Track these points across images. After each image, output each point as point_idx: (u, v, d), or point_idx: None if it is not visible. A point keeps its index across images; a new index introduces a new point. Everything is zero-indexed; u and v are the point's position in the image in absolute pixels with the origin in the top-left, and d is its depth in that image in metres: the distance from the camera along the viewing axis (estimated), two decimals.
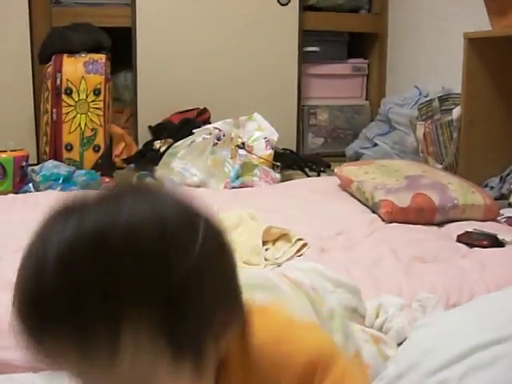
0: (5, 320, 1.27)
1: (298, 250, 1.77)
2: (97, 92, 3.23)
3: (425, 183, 2.17)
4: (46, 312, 0.60)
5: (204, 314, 0.63)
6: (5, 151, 2.78)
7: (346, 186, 2.47)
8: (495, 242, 1.81)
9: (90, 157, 3.23)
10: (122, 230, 0.59)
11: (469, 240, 1.85)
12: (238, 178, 2.86)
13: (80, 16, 3.57)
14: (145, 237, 0.60)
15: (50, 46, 3.34)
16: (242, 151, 2.98)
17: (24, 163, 2.81)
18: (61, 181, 2.78)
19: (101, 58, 3.29)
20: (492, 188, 2.63)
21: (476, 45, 2.66)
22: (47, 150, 3.25)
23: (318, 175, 3.26)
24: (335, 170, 2.62)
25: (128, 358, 0.59)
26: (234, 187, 2.77)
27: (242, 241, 1.78)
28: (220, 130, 3.04)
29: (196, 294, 0.61)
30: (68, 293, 0.58)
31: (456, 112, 2.79)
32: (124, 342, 0.58)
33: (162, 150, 3.25)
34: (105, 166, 3.23)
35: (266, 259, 1.68)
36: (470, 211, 2.10)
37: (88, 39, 3.36)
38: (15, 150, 2.80)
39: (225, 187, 2.79)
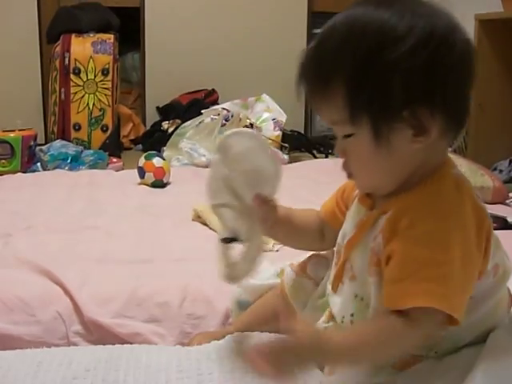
0: (15, 296, 1.29)
1: None
2: (105, 72, 3.23)
3: None
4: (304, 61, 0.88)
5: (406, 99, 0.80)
6: (13, 130, 2.78)
7: None
8: (504, 225, 1.81)
9: (98, 137, 3.23)
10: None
11: None
12: None
13: None
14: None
15: (57, 26, 3.34)
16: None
17: (32, 142, 2.81)
18: (69, 160, 2.79)
19: (109, 37, 3.28)
20: (501, 171, 2.62)
21: (487, 27, 2.64)
22: (55, 129, 3.25)
23: (326, 157, 3.26)
24: None
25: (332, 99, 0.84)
26: None
27: None
28: (228, 111, 3.03)
29: (406, 77, 0.79)
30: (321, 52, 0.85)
31: None
32: (333, 88, 0.83)
33: (170, 130, 3.25)
34: (112, 146, 3.23)
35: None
36: (478, 193, 2.09)
37: (96, 19, 3.35)
38: (23, 130, 2.81)
39: None
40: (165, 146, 3.03)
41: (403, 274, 0.82)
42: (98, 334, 1.25)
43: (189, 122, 3.07)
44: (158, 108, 3.70)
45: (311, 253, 1.16)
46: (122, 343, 1.17)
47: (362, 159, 0.86)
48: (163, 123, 3.42)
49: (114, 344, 1.15)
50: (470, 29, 2.73)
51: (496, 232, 0.91)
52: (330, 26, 0.85)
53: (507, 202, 2.16)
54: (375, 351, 0.83)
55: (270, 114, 3.19)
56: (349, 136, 0.85)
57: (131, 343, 1.19)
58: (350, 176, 0.91)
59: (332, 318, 1.00)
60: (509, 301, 0.96)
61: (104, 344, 1.15)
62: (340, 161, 0.91)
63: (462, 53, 0.83)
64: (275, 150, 2.94)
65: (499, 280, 0.91)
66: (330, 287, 1.00)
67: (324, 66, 0.84)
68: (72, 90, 3.20)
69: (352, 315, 0.93)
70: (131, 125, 3.60)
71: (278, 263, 1.28)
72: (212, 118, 3.01)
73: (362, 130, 0.83)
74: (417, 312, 0.80)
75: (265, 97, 3.25)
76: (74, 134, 3.20)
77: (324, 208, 1.08)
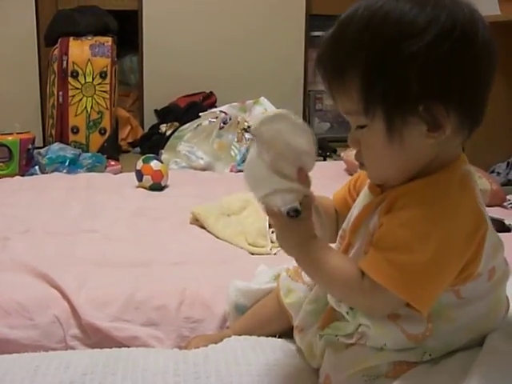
0: (13, 299, 1.29)
1: None
2: (103, 75, 3.22)
3: None
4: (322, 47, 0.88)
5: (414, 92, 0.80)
6: (11, 134, 2.78)
7: (352, 171, 2.46)
8: (502, 227, 1.81)
9: (96, 140, 3.23)
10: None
11: None
12: (244, 161, 2.85)
13: None
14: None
15: (56, 29, 3.33)
16: (248, 135, 2.98)
17: (30, 146, 2.81)
18: (67, 163, 2.79)
19: (107, 40, 3.28)
20: (499, 174, 2.63)
21: None
22: (53, 132, 3.25)
23: (324, 160, 3.26)
24: (341, 155, 2.62)
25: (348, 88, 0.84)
26: (240, 170, 2.77)
27: (249, 223, 1.79)
28: (226, 114, 3.04)
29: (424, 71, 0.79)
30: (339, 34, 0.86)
31: None
32: (349, 79, 0.83)
33: (168, 133, 3.25)
34: (111, 149, 3.23)
35: (272, 241, 1.69)
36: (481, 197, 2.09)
37: (94, 22, 3.35)
38: (21, 133, 2.80)
39: (231, 170, 2.79)
40: (163, 148, 3.03)
41: (380, 245, 0.84)
42: (96, 338, 1.25)
43: (187, 125, 3.07)
44: (156, 111, 3.70)
45: None
46: (120, 347, 1.17)
47: (374, 151, 0.87)
48: (161, 126, 3.42)
49: (111, 348, 1.15)
50: None
51: None
52: (349, 15, 0.85)
53: (505, 204, 2.16)
54: (329, 285, 0.91)
55: None
56: (362, 127, 0.86)
57: (129, 347, 1.19)
58: (361, 166, 0.92)
59: (325, 325, 1.01)
60: (506, 306, 0.96)
61: (102, 348, 1.15)
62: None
63: (482, 51, 0.82)
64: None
65: (495, 283, 0.91)
66: None
67: (341, 55, 0.84)
68: (70, 93, 3.20)
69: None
70: (129, 128, 3.60)
71: (275, 266, 1.29)
72: (210, 121, 3.02)
73: (375, 122, 0.83)
74: (375, 284, 0.83)
75: (263, 100, 3.25)
76: (72, 137, 3.20)
77: (336, 196, 1.09)
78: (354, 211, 0.97)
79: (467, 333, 0.90)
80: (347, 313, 0.94)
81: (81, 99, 3.21)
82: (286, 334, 1.15)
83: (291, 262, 1.17)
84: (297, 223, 0.87)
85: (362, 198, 0.97)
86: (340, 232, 1.01)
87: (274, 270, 1.25)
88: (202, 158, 2.84)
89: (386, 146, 0.84)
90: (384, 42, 0.80)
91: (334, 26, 0.86)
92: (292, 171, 0.87)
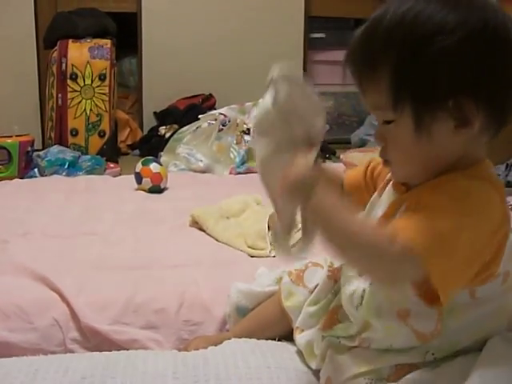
0: (12, 303, 1.29)
1: None
2: (102, 77, 3.22)
3: None
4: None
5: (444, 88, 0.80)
6: (10, 136, 2.78)
7: None
8: None
9: (95, 142, 3.22)
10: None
11: None
12: (243, 163, 2.86)
13: (85, 1, 3.55)
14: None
15: (55, 31, 3.33)
16: (247, 137, 2.98)
17: (29, 148, 2.81)
18: (66, 166, 2.78)
19: (106, 43, 3.28)
20: (498, 175, 2.63)
21: None
22: (52, 135, 3.25)
23: (324, 162, 3.26)
24: (341, 157, 2.62)
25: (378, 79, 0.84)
26: (239, 173, 2.77)
27: (248, 225, 1.79)
28: (225, 116, 3.04)
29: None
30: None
31: None
32: (379, 75, 0.83)
33: (167, 135, 3.25)
34: (110, 151, 3.23)
35: (271, 244, 1.69)
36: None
37: (93, 24, 3.35)
38: (20, 135, 2.80)
39: (230, 173, 2.79)
40: (162, 151, 3.03)
41: (415, 212, 0.81)
42: (95, 341, 1.25)
43: (186, 128, 3.07)
44: (155, 113, 3.70)
45: (308, 261, 1.16)
46: (119, 350, 1.17)
47: (400, 147, 0.86)
48: (160, 128, 3.42)
49: (111, 351, 1.15)
50: None
51: None
52: (381, 13, 0.86)
53: None
54: (356, 246, 0.80)
55: None
56: (389, 122, 0.86)
57: (128, 350, 1.19)
58: (386, 163, 0.92)
59: (327, 327, 1.01)
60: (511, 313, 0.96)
61: (101, 351, 1.15)
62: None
63: None
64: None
65: (507, 288, 0.90)
66: (347, 271, 0.99)
67: (372, 49, 0.85)
68: (69, 95, 3.20)
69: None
70: (128, 130, 3.59)
71: (275, 269, 1.29)
72: (209, 123, 3.02)
73: (403, 118, 0.83)
74: (405, 250, 0.77)
75: None
76: (71, 140, 3.20)
77: (348, 181, 1.07)
78: (378, 210, 0.96)
79: (472, 334, 0.90)
80: (356, 307, 0.93)
81: (80, 101, 3.21)
82: (286, 337, 1.15)
83: (291, 265, 1.18)
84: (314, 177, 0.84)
85: (386, 196, 0.96)
86: None
87: (275, 273, 1.25)
88: (201, 161, 2.84)
89: (414, 141, 0.84)
90: (415, 38, 0.81)
91: (366, 24, 0.88)
92: (302, 129, 0.87)
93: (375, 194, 1.00)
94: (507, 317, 0.94)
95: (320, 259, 1.16)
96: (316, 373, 1.02)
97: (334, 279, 1.09)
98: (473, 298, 0.87)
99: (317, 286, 1.10)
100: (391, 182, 0.96)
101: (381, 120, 0.88)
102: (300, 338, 1.08)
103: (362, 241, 0.79)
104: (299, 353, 1.09)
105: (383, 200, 0.97)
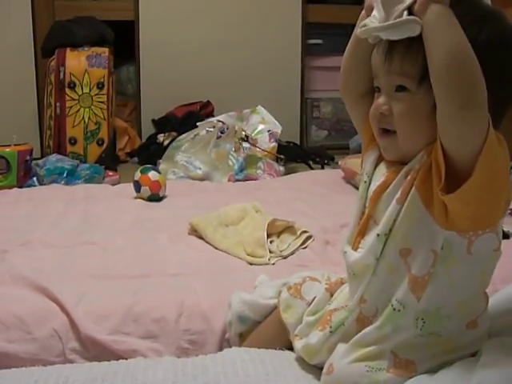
0: (11, 313, 1.29)
1: (303, 243, 1.77)
2: (100, 85, 3.23)
3: None
4: None
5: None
6: (9, 145, 2.78)
7: (349, 179, 2.46)
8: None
9: (94, 150, 3.23)
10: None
11: None
12: (241, 170, 2.86)
13: (83, 9, 3.56)
14: None
15: (52, 40, 3.34)
16: (245, 144, 2.99)
17: (28, 157, 2.81)
18: (65, 174, 2.78)
19: (104, 51, 3.28)
20: None
21: None
22: (51, 143, 3.25)
23: (322, 168, 3.26)
24: (339, 163, 2.62)
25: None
26: (238, 180, 2.77)
27: (247, 233, 1.79)
28: (223, 123, 3.04)
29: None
30: None
31: None
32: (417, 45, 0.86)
33: (166, 143, 3.25)
34: (108, 159, 3.23)
35: (270, 251, 1.69)
36: None
37: (91, 33, 3.35)
38: (19, 144, 2.80)
39: (229, 180, 2.79)
40: (161, 158, 3.03)
41: None
42: (95, 351, 1.25)
43: (184, 135, 3.07)
44: (153, 121, 3.70)
45: (306, 275, 1.19)
46: (119, 360, 1.17)
47: (413, 119, 0.90)
48: (159, 136, 3.42)
49: (110, 361, 1.14)
50: None
51: None
52: None
53: None
54: (466, 48, 0.83)
55: (265, 126, 3.19)
56: (403, 90, 0.90)
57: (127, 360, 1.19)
58: (384, 134, 0.95)
59: (326, 326, 1.02)
60: (487, 299, 1.00)
61: (101, 361, 1.15)
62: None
63: None
64: None
65: (495, 256, 0.94)
66: (348, 248, 1.04)
67: None
68: (67, 104, 3.20)
69: (377, 259, 0.96)
70: (127, 138, 3.60)
71: (275, 279, 1.29)
72: (207, 131, 3.02)
73: (424, 91, 0.88)
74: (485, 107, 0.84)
75: (260, 108, 3.26)
76: (69, 148, 3.20)
77: None
78: (371, 184, 1.00)
79: (454, 296, 0.93)
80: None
81: (78, 110, 3.21)
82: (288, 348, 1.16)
83: (290, 271, 1.18)
84: None
85: (378, 171, 1.00)
86: (358, 201, 1.05)
87: (275, 284, 1.26)
88: (199, 168, 2.84)
89: (429, 116, 0.88)
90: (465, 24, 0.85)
91: None
92: None
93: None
94: (483, 284, 0.97)
95: (317, 274, 1.20)
96: (316, 378, 1.03)
97: (331, 292, 1.13)
98: (468, 253, 0.90)
99: (314, 298, 1.13)
100: (383, 161, 0.99)
101: (393, 85, 0.91)
102: (298, 343, 1.09)
103: (474, 61, 0.83)
104: (298, 360, 1.10)
105: (376, 176, 1.00)
